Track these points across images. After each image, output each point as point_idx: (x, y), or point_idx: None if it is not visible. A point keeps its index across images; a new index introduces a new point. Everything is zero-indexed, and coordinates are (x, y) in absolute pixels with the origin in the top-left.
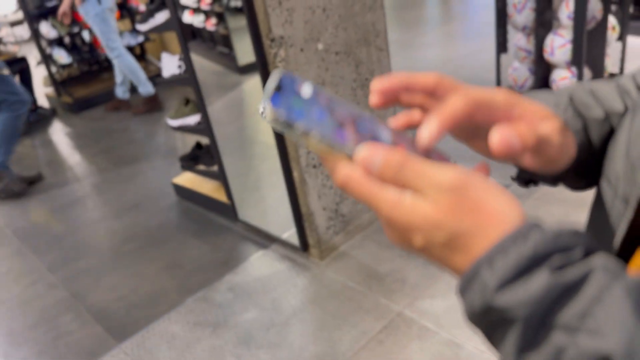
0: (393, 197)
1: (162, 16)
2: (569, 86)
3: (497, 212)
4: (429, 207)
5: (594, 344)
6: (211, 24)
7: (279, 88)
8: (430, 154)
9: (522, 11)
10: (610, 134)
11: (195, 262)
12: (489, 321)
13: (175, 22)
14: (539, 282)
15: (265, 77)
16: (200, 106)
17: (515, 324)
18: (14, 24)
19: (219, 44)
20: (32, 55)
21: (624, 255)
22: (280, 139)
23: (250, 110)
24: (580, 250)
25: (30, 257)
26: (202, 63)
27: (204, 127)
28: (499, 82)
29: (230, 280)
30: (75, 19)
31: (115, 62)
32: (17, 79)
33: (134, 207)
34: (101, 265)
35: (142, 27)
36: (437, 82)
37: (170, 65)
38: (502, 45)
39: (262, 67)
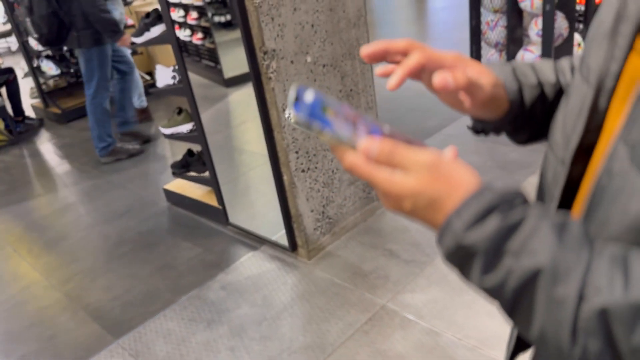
0: (387, 175)
1: (157, 30)
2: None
3: (461, 180)
4: (413, 180)
5: (531, 261)
6: (197, 38)
7: (297, 98)
8: (412, 141)
9: (494, 29)
10: (541, 97)
11: (188, 263)
12: (460, 256)
13: (171, 36)
14: (492, 223)
15: (258, 87)
16: (194, 114)
17: (478, 255)
18: (1, 35)
19: (205, 58)
20: (19, 67)
21: (565, 204)
22: (271, 145)
23: (237, 121)
24: (520, 200)
25: (23, 261)
26: (189, 76)
27: (197, 134)
28: None
29: (222, 279)
30: None
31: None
32: (3, 90)
33: (125, 213)
34: (95, 267)
35: (138, 40)
36: (408, 46)
37: (164, 76)
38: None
39: (255, 77)
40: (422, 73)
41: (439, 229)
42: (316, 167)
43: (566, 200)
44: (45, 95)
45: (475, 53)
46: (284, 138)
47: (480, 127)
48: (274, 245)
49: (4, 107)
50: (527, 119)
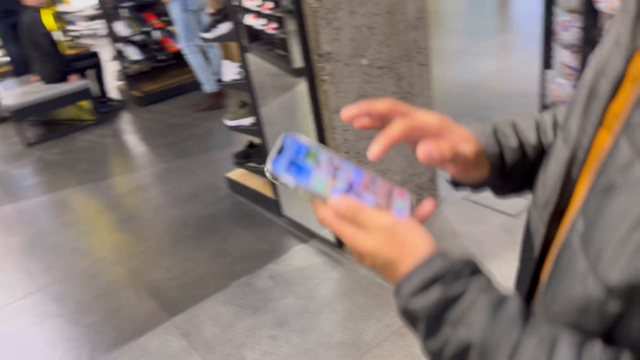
0: (351, 232)
1: (225, 27)
2: (497, 119)
3: (415, 246)
4: (372, 242)
5: (465, 334)
6: (271, 28)
7: (281, 149)
8: (391, 187)
9: (568, 29)
10: (521, 159)
11: (242, 250)
12: (407, 318)
13: (235, 34)
14: (435, 294)
15: (312, 88)
16: (255, 110)
17: (421, 320)
18: (92, 18)
19: (277, 47)
20: (106, 51)
21: (543, 256)
22: (322, 144)
23: (301, 112)
24: (468, 271)
25: (97, 236)
26: (260, 64)
27: (257, 128)
28: (542, 97)
29: (271, 269)
30: (146, 20)
31: (187, 59)
32: (91, 73)
33: (191, 197)
34: (159, 248)
35: (207, 35)
36: (389, 110)
37: (230, 71)
38: (547, 62)
39: (309, 79)
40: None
41: (393, 289)
42: (367, 168)
43: (544, 258)
44: (128, 78)
45: (547, 53)
46: (335, 139)
47: (458, 183)
48: (322, 240)
49: (89, 89)
50: (507, 179)
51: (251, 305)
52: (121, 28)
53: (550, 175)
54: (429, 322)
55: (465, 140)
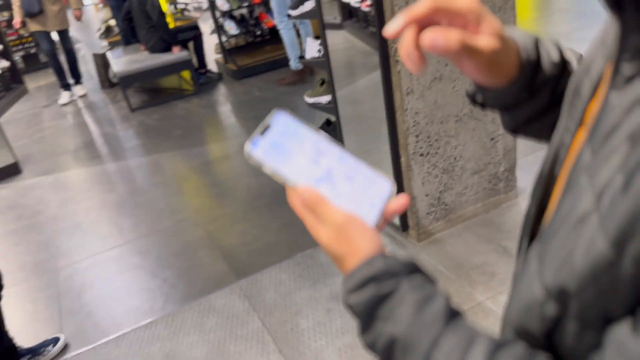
0: (310, 222)
1: (309, 4)
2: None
3: (359, 247)
4: (325, 235)
5: (391, 329)
6: (366, 5)
7: (268, 127)
8: (376, 178)
9: None
10: (558, 78)
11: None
12: (350, 313)
13: (317, 12)
14: (369, 291)
15: (385, 69)
16: (331, 88)
17: (357, 315)
18: None
19: (371, 24)
20: (208, 24)
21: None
22: (392, 126)
23: None
24: (404, 272)
25: (182, 198)
26: (352, 42)
27: (333, 106)
28: None
29: None
30: None
31: (281, 34)
32: (191, 45)
33: None
34: (235, 214)
35: (293, 12)
36: (433, 8)
37: (312, 48)
38: None
39: (383, 59)
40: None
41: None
42: (436, 153)
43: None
44: (226, 52)
45: None
46: (405, 121)
47: (479, 96)
48: (389, 223)
49: (190, 60)
50: (532, 95)
51: (311, 277)
52: (222, 2)
53: (540, 171)
54: (363, 318)
55: (490, 34)
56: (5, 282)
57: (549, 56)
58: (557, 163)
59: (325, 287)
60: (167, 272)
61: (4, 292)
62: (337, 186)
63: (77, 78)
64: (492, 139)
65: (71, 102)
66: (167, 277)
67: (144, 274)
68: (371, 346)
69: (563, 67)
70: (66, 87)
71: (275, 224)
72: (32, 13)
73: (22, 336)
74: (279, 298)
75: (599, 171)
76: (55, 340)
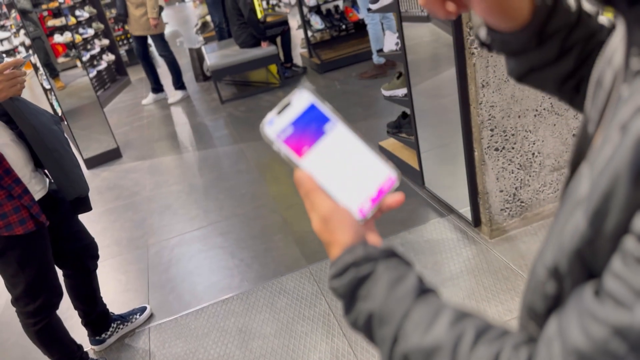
0: (307, 207)
1: None
2: None
3: (340, 237)
4: (315, 223)
5: (369, 306)
6: None
7: (287, 105)
8: (382, 167)
9: None
10: (572, 29)
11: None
12: (335, 295)
13: (395, 6)
14: (349, 275)
15: (460, 61)
16: (407, 81)
17: (341, 298)
18: None
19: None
20: (295, 20)
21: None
22: (465, 120)
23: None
24: (382, 256)
25: (263, 185)
26: (439, 34)
27: (408, 99)
28: None
29: (404, 237)
30: None
31: (368, 28)
32: (279, 40)
33: None
34: None
35: (373, 6)
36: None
37: (390, 42)
38: None
39: (458, 51)
40: None
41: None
42: (513, 148)
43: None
44: (311, 46)
45: None
46: (480, 115)
47: (488, 37)
48: (460, 217)
49: (278, 55)
50: (543, 43)
51: None
52: None
53: (570, 159)
54: (345, 299)
55: None
56: (101, 254)
57: (566, 3)
58: (589, 123)
59: None
60: (244, 253)
61: (98, 262)
62: (340, 173)
63: (175, 84)
64: (574, 135)
65: (154, 103)
66: (244, 257)
67: (224, 253)
68: (354, 324)
69: (578, 18)
70: (153, 90)
71: None
72: (119, 15)
73: (114, 304)
74: None
75: (597, 159)
76: (143, 309)
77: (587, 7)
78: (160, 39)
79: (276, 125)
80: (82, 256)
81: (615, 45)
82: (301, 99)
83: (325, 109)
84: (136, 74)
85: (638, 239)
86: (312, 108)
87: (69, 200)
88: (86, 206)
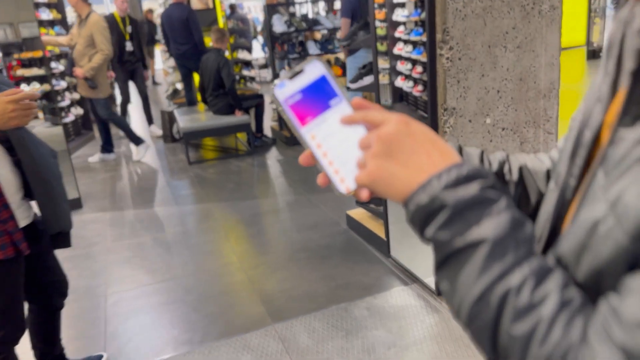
0: (377, 118)
1: (368, 79)
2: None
3: (451, 151)
4: (407, 135)
5: (483, 232)
6: (417, 90)
7: (299, 72)
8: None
9: None
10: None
11: (347, 280)
12: (427, 211)
13: (376, 86)
14: (474, 188)
15: None
16: None
17: (444, 210)
18: (261, 67)
19: (419, 109)
20: (269, 95)
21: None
22: None
23: None
24: (499, 186)
25: (229, 244)
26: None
27: None
28: None
29: (369, 301)
30: None
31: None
32: (253, 111)
33: (313, 227)
34: (277, 263)
35: (353, 85)
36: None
37: None
38: None
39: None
40: None
41: (417, 185)
42: None
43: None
44: (281, 120)
45: None
46: None
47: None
48: (424, 286)
49: (249, 124)
50: None
51: (344, 329)
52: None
53: (542, 212)
54: (453, 212)
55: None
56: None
57: (490, 167)
58: (563, 204)
59: (358, 339)
60: (208, 309)
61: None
62: (337, 148)
63: (133, 141)
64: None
65: (100, 162)
66: (208, 313)
67: (187, 307)
68: (444, 242)
69: (501, 178)
70: (101, 148)
71: (314, 276)
72: (65, 75)
73: (70, 349)
74: (312, 344)
75: (612, 186)
76: (99, 357)
77: (514, 166)
78: (102, 102)
79: (286, 89)
80: (51, 292)
81: (589, 111)
82: (314, 68)
83: (334, 83)
84: None
85: None
86: (323, 80)
87: (51, 234)
88: (66, 242)
